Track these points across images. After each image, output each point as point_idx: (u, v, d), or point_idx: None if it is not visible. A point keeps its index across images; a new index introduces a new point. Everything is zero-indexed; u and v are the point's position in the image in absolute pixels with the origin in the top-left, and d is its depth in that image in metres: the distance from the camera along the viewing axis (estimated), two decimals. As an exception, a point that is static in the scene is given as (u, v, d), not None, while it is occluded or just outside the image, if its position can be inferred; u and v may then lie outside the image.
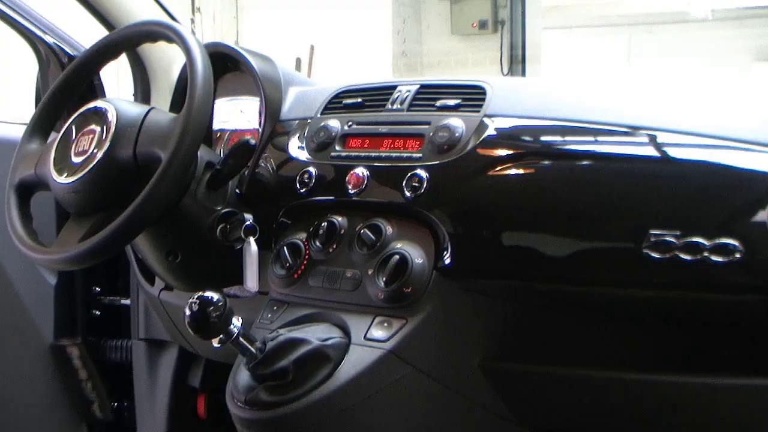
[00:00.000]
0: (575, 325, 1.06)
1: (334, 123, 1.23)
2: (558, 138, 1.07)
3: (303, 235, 1.18)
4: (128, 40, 1.24)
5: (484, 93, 1.15)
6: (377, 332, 1.04)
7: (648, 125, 1.03)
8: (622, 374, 1.05)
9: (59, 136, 1.20)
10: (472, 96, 1.15)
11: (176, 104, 1.46)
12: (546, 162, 1.05)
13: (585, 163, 1.04)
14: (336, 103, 1.28)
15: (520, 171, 1.05)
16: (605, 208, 1.00)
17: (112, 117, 1.14)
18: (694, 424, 1.05)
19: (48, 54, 1.70)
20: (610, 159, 1.03)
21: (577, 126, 1.06)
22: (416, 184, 1.09)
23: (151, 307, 1.60)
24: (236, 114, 1.41)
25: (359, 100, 1.25)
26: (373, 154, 1.17)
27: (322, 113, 1.28)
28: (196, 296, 0.96)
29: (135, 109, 1.17)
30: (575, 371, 1.07)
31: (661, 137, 1.01)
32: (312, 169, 1.20)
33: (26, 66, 1.81)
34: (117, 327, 1.80)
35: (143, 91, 1.58)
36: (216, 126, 1.43)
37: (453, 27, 5.66)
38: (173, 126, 1.10)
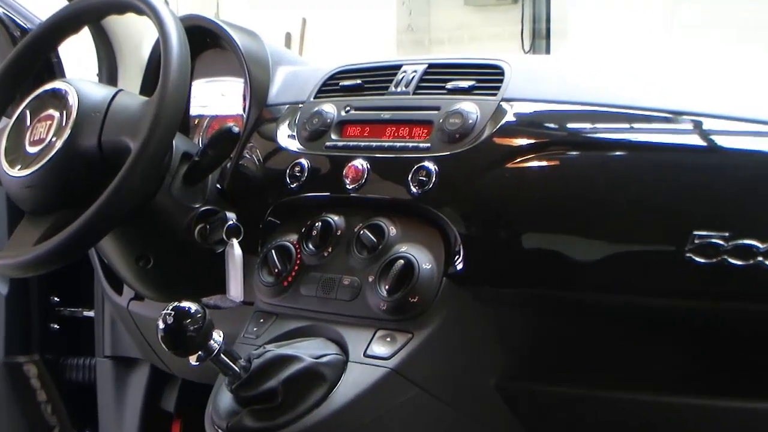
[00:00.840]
0: (606, 340, 1.06)
1: (329, 108, 1.24)
2: (587, 125, 1.08)
3: (294, 237, 1.18)
4: (91, 12, 1.24)
5: (502, 73, 1.15)
6: (379, 348, 1.05)
7: (692, 110, 1.03)
8: (660, 397, 1.05)
9: (11, 123, 1.21)
10: (488, 77, 1.16)
11: (148, 86, 1.47)
12: (573, 152, 1.06)
13: (618, 153, 1.04)
14: (332, 86, 1.29)
15: (544, 163, 1.06)
16: (641, 205, 1.00)
17: (73, 100, 1.15)
18: None
19: (-3, 27, 1.70)
20: (647, 149, 1.03)
21: (609, 111, 1.06)
22: (424, 178, 1.10)
23: (119, 319, 1.60)
24: (217, 97, 1.42)
25: (358, 81, 1.26)
26: (375, 144, 1.17)
27: (315, 97, 1.28)
28: (170, 307, 0.97)
29: (100, 92, 1.18)
30: (606, 393, 1.07)
31: (708, 123, 1.02)
32: (304, 161, 1.21)
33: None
34: (79, 343, 1.80)
35: (109, 70, 1.59)
36: (194, 111, 1.44)
37: (466, -4, 5.66)
38: (144, 111, 1.11)
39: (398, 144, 1.15)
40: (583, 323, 1.07)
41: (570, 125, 1.09)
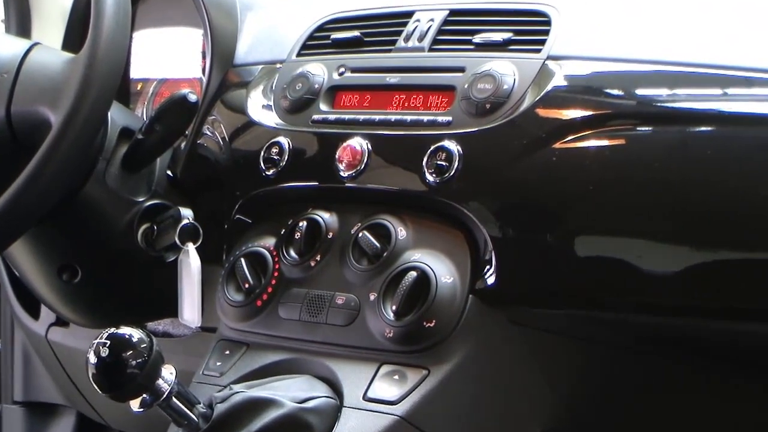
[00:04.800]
0: (686, 379, 1.07)
1: (317, 69, 1.24)
2: (663, 91, 1.08)
3: (270, 241, 1.19)
4: None
5: (548, 22, 1.16)
6: (383, 389, 1.06)
7: None
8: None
9: None
10: (529, 27, 1.16)
11: (72, 39, 1.48)
12: (644, 128, 1.06)
13: (706, 129, 1.04)
14: (320, 39, 1.30)
15: (604, 142, 1.06)
16: (736, 197, 1.00)
17: (-29, 58, 1.16)
18: None
19: None
20: (746, 122, 1.03)
21: (694, 72, 1.06)
22: (443, 163, 1.10)
23: (34, 352, 1.61)
24: (167, 55, 1.42)
25: (356, 34, 1.27)
26: (378, 118, 1.18)
27: (299, 54, 1.29)
28: (104, 335, 0.97)
29: (8, 47, 1.19)
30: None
31: None
32: (284, 140, 1.21)
33: None
34: None
35: (19, 16, 1.59)
36: (136, 73, 1.44)
37: None
38: (69, 73, 1.11)
39: (409, 117, 1.16)
40: (657, 357, 1.08)
41: (640, 91, 1.09)
